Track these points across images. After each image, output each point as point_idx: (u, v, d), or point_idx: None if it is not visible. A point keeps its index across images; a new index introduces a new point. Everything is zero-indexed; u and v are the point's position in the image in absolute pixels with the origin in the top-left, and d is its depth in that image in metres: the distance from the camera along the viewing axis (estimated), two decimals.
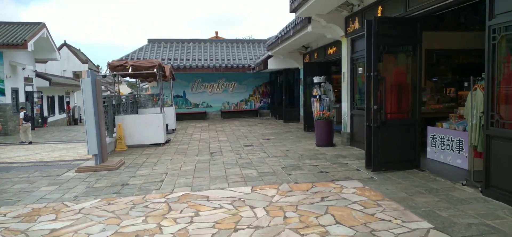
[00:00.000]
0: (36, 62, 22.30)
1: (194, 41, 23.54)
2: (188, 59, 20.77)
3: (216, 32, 26.65)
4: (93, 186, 6.43)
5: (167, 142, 11.89)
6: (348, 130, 9.67)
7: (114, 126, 11.10)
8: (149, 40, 22.93)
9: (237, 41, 23.95)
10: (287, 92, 17.62)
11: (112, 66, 11.19)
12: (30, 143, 13.33)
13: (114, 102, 11.68)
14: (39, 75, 22.31)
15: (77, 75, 34.62)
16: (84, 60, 37.45)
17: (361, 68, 9.05)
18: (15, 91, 19.26)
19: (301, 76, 16.41)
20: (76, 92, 32.93)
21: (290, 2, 9.13)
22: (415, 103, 6.65)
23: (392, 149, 6.57)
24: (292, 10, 9.17)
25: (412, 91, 6.64)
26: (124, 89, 51.26)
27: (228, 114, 21.73)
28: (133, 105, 14.33)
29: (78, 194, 5.93)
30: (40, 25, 20.05)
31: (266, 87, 22.37)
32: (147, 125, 11.21)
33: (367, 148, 6.71)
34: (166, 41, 23.12)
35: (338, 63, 14.12)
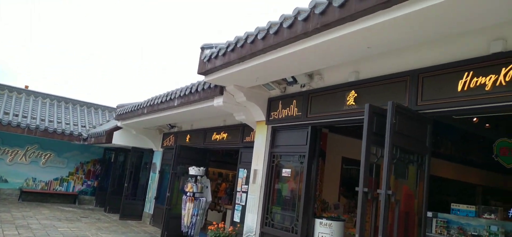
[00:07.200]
0: None
1: (2, 87, 16.77)
2: None
3: (26, 86, 18.07)
4: None
5: None
6: None
7: None
8: None
9: (65, 99, 18.16)
10: (130, 179, 13.41)
11: None
12: None
13: None
14: None
15: None
16: None
17: (287, 170, 6.50)
18: None
19: (156, 160, 12.76)
20: None
21: (201, 61, 6.14)
22: None
23: None
24: (202, 72, 6.17)
25: (418, 225, 4.38)
26: None
27: (32, 196, 15.33)
28: None
29: None
30: None
31: (95, 166, 17.19)
32: None
33: None
34: None
35: (225, 154, 11.51)
